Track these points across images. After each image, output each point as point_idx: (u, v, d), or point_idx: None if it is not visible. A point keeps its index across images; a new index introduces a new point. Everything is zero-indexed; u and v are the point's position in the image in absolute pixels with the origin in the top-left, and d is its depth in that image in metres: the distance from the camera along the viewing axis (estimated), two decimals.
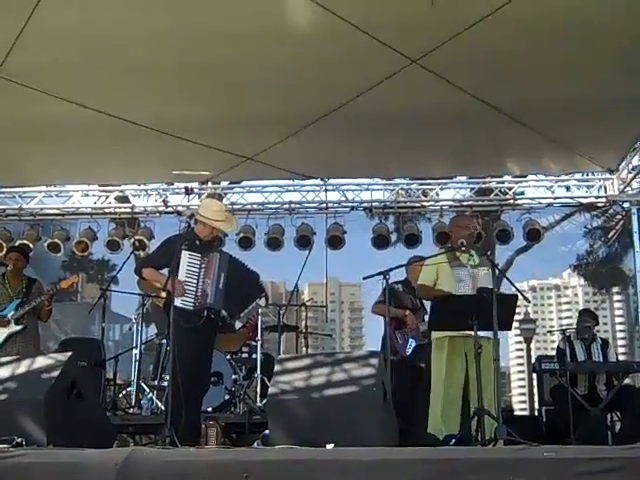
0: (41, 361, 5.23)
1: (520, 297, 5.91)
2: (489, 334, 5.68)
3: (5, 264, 7.46)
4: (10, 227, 9.99)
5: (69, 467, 3.77)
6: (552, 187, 9.82)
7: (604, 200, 9.86)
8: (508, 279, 6.15)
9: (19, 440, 4.36)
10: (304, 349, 9.04)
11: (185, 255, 5.71)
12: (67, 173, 9.32)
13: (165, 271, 5.88)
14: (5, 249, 9.41)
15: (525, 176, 9.88)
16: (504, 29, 5.86)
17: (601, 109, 7.15)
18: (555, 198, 9.91)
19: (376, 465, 3.55)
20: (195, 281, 5.81)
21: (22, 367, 5.19)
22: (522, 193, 9.90)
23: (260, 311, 7.84)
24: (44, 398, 4.74)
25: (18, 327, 7.17)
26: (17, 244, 9.31)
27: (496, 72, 6.54)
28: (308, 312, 9.49)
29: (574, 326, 8.12)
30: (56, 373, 4.95)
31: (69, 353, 5.23)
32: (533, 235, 9.60)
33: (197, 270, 5.83)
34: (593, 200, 9.98)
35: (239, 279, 6.02)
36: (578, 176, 9.83)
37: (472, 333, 5.84)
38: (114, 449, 4.74)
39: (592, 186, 9.83)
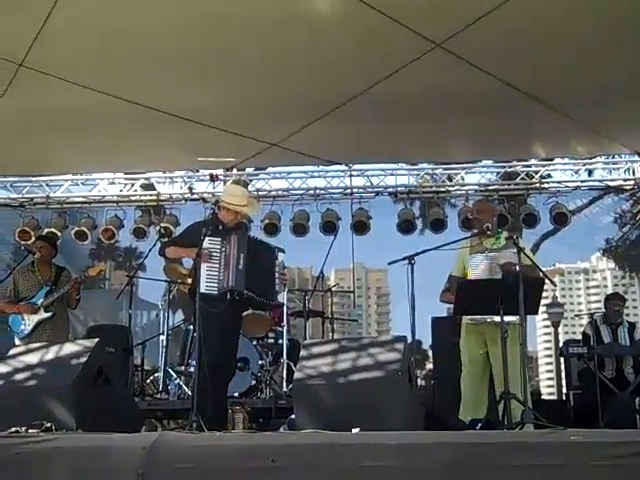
0: (69, 347, 5.29)
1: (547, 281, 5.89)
2: (514, 319, 5.67)
3: (34, 252, 7.54)
4: (38, 215, 10.09)
5: (98, 451, 3.81)
6: (579, 170, 9.73)
7: (632, 182, 9.74)
8: (535, 263, 6.08)
9: (48, 425, 4.41)
10: (330, 334, 9.06)
11: (206, 241, 5.72)
12: (93, 161, 9.37)
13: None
14: (33, 237, 9.52)
15: (552, 159, 9.79)
16: (529, 10, 5.79)
17: (628, 91, 7.05)
18: (582, 181, 9.81)
19: (402, 449, 3.54)
20: (217, 265, 5.81)
21: (51, 353, 5.26)
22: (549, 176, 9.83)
23: (287, 296, 7.84)
24: (72, 384, 4.80)
25: (47, 314, 7.26)
26: (45, 232, 9.40)
27: (521, 54, 6.46)
28: (334, 297, 9.50)
29: (602, 310, 8.07)
30: (84, 359, 5.01)
31: (97, 339, 5.30)
32: (560, 219, 9.51)
33: (218, 254, 5.83)
34: (621, 183, 9.86)
35: (259, 256, 6.00)
36: (605, 159, 9.71)
37: (492, 319, 5.86)
38: (142, 433, 4.81)
39: (620, 168, 9.72)
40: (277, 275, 6.06)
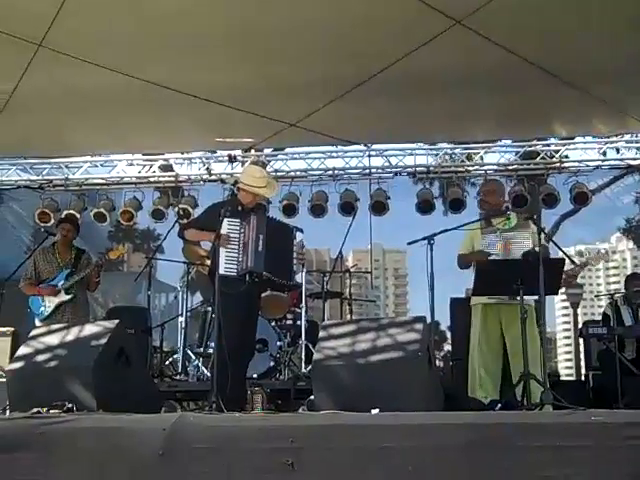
0: (90, 329, 5.32)
1: (567, 261, 5.85)
2: (531, 300, 5.66)
3: (54, 234, 7.56)
4: (57, 197, 10.14)
5: (119, 432, 3.85)
6: (600, 149, 9.62)
7: None
8: (555, 243, 6.06)
9: (70, 406, 4.45)
10: (348, 316, 9.06)
11: (225, 222, 5.71)
12: (111, 143, 9.38)
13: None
14: (53, 219, 9.56)
15: (572, 138, 9.69)
16: None
17: None
18: (603, 160, 9.71)
19: (421, 430, 3.55)
20: (236, 247, 5.80)
21: (71, 334, 5.29)
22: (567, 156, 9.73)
23: (305, 277, 7.84)
24: (93, 365, 4.83)
25: (68, 296, 7.29)
26: (64, 214, 9.43)
27: (542, 31, 6.37)
28: (352, 279, 9.49)
29: (622, 290, 8.01)
30: (104, 340, 5.03)
31: (117, 321, 5.31)
32: (580, 199, 9.43)
33: (237, 235, 5.82)
34: None
35: (278, 238, 5.98)
36: (627, 137, 9.58)
37: (506, 299, 5.85)
38: (162, 414, 4.84)
39: None
40: (295, 255, 6.05)
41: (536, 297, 5.68)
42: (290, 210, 9.64)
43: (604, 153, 9.72)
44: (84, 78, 7.06)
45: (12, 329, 7.61)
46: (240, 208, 5.98)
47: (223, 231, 5.69)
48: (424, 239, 5.84)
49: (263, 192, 6.12)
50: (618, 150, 9.80)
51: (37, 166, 10.18)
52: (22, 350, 5.28)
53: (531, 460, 3.37)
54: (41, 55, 6.58)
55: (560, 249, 6.03)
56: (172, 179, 10.20)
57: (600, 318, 8.00)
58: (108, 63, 6.87)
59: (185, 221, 8.97)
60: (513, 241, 6.26)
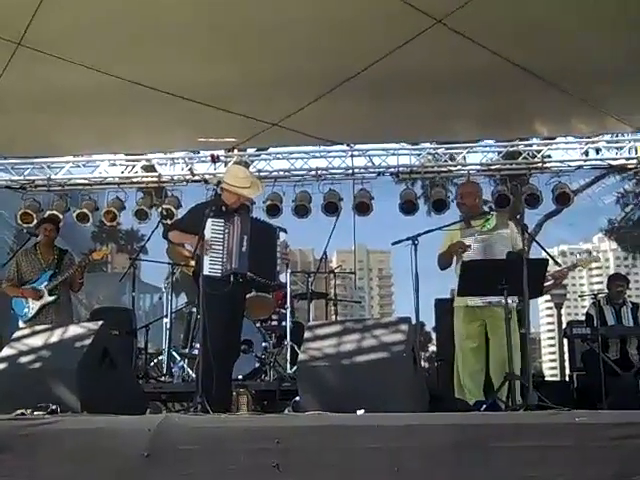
0: (73, 330, 5.29)
1: (551, 261, 5.87)
2: (513, 304, 5.69)
3: (36, 234, 7.50)
4: (39, 198, 10.07)
5: (103, 433, 3.82)
6: (582, 149, 9.67)
7: (635, 162, 9.67)
8: (538, 243, 6.09)
9: (54, 407, 4.42)
10: (333, 316, 9.06)
11: (209, 223, 5.69)
12: (93, 143, 9.32)
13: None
14: (35, 220, 9.50)
15: (554, 138, 9.74)
16: None
17: (630, 68, 6.99)
18: (585, 160, 9.76)
19: (406, 430, 3.55)
20: (220, 247, 5.79)
21: (55, 336, 5.26)
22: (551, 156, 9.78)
23: (290, 278, 7.84)
24: (77, 366, 4.80)
25: (51, 298, 7.25)
26: (47, 215, 9.38)
27: (523, 32, 6.40)
28: (337, 279, 9.49)
29: (605, 291, 8.06)
30: (88, 342, 5.01)
31: (100, 322, 5.29)
32: (563, 199, 9.48)
33: (221, 236, 5.80)
34: (623, 162, 9.81)
35: (261, 238, 5.97)
36: (608, 137, 9.64)
37: (490, 301, 5.87)
38: (147, 415, 4.83)
39: (622, 147, 9.65)
40: (279, 255, 6.04)
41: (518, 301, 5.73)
42: (274, 210, 9.63)
43: (586, 153, 9.77)
44: (64, 77, 7.02)
45: None
46: (224, 209, 5.96)
47: (207, 231, 5.66)
48: (408, 239, 5.85)
49: (247, 193, 6.10)
50: (598, 150, 9.85)
51: (18, 166, 10.10)
52: (5, 351, 5.24)
53: (516, 460, 3.37)
54: (20, 54, 6.53)
55: (544, 250, 6.06)
56: (155, 179, 10.16)
57: (584, 318, 8.05)
58: (88, 62, 6.83)
59: (169, 222, 8.94)
60: (488, 244, 6.25)
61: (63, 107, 7.72)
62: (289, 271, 7.60)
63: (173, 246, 7.47)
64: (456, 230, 6.43)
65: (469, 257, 6.19)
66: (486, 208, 6.59)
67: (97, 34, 6.41)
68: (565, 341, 8.81)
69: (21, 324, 7.09)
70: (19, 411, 4.25)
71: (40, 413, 4.27)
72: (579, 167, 9.76)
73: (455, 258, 6.38)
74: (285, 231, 6.22)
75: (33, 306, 7.21)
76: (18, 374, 5.02)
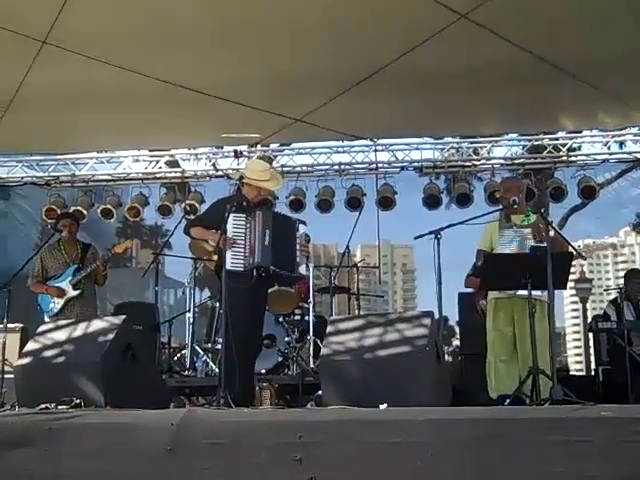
0: (97, 324, 5.32)
1: (576, 255, 5.82)
2: (541, 295, 5.62)
3: (60, 230, 7.55)
4: (64, 194, 10.15)
5: (127, 427, 3.83)
6: (607, 143, 9.58)
7: None
8: (563, 237, 6.02)
9: (78, 401, 4.45)
10: (356, 311, 9.05)
11: (231, 218, 5.70)
12: (117, 139, 9.39)
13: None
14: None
15: (579, 132, 9.65)
16: None
17: None
18: (611, 154, 9.67)
19: (431, 425, 3.52)
20: (242, 242, 5.79)
21: (79, 330, 5.29)
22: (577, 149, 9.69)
23: (312, 272, 7.83)
24: (101, 360, 4.83)
25: (76, 292, 7.29)
26: (71, 211, 9.44)
27: (548, 25, 6.34)
28: (360, 274, 9.47)
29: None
30: (112, 336, 5.03)
31: (123, 316, 5.31)
32: (588, 192, 9.40)
33: (243, 231, 5.81)
34: None
35: (283, 232, 5.98)
36: (635, 130, 9.54)
37: (518, 293, 5.80)
38: (170, 410, 4.84)
39: None
40: (298, 247, 6.03)
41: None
42: (297, 205, 9.64)
43: (611, 147, 9.67)
44: (89, 75, 7.06)
45: (21, 325, 7.64)
46: (245, 204, 5.97)
47: (229, 226, 5.67)
48: (430, 233, 5.80)
49: (267, 185, 6.10)
50: (622, 144, 9.73)
51: (43, 163, 10.19)
52: (30, 346, 5.29)
53: (541, 455, 3.34)
54: (45, 52, 6.58)
55: (569, 243, 5.99)
56: (178, 175, 10.20)
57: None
58: (113, 59, 6.86)
59: (192, 217, 8.96)
60: (529, 237, 6.21)
61: (87, 104, 7.76)
62: (311, 265, 7.59)
63: (196, 241, 7.49)
64: (494, 222, 6.37)
65: (504, 250, 6.16)
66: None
67: (122, 32, 6.45)
68: (590, 335, 8.72)
69: (47, 319, 7.14)
70: (43, 405, 4.29)
71: (64, 407, 4.31)
72: (605, 160, 9.67)
73: None
74: (304, 223, 6.21)
75: (59, 301, 7.26)
76: (42, 368, 5.07)
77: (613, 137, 9.54)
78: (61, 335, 5.27)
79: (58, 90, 7.41)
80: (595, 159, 9.58)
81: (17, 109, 7.72)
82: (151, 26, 6.36)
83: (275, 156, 10.07)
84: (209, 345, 8.11)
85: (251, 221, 5.83)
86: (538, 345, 5.47)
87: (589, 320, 10.20)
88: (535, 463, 3.34)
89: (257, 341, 6.11)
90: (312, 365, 7.68)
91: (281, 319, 8.20)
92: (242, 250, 5.78)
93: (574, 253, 5.85)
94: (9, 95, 7.46)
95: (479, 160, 9.87)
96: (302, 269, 6.12)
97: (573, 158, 9.62)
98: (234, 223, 5.77)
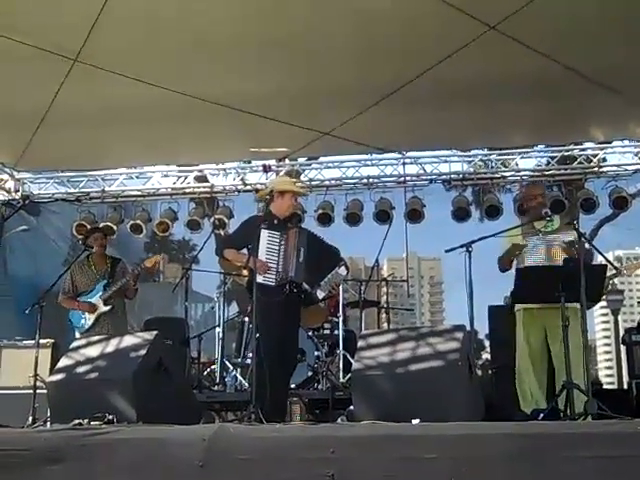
0: (129, 340, 5.35)
1: (609, 267, 5.75)
2: (575, 304, 5.56)
3: (90, 246, 7.59)
4: (94, 210, 10.23)
5: (159, 443, 3.83)
6: (638, 153, 9.47)
7: None
8: (596, 249, 5.97)
9: (110, 417, 4.47)
10: (385, 324, 9.01)
11: (265, 233, 5.74)
12: (146, 155, 9.45)
13: (245, 251, 5.94)
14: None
15: (610, 142, 9.55)
16: None
17: None
18: None
19: (464, 440, 3.49)
20: (276, 258, 5.83)
21: (111, 346, 5.32)
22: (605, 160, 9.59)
23: (342, 286, 7.82)
24: (133, 376, 4.85)
25: (106, 307, 7.34)
26: (101, 226, 9.51)
27: (576, 36, 6.31)
28: (388, 287, 9.43)
29: None
30: (143, 352, 5.06)
31: (155, 332, 5.34)
32: (620, 203, 9.29)
33: (277, 247, 5.85)
34: None
35: (318, 252, 6.02)
36: None
37: (551, 305, 5.75)
38: (201, 425, 4.83)
39: None
40: (327, 280, 6.08)
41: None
42: (325, 219, 9.62)
43: None
44: (119, 91, 7.13)
45: (52, 341, 7.67)
46: (276, 221, 6.00)
47: (262, 241, 5.72)
48: (462, 246, 5.77)
49: (297, 187, 6.20)
50: None
51: (73, 179, 10.27)
52: (63, 362, 5.32)
53: (575, 471, 3.30)
54: (77, 70, 6.66)
55: (602, 255, 5.93)
56: (207, 190, 10.24)
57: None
58: (143, 76, 6.93)
59: (221, 232, 9.00)
60: (556, 243, 6.19)
61: (117, 120, 7.83)
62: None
63: None
64: (517, 235, 6.34)
65: (531, 257, 6.11)
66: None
67: (151, 49, 6.51)
68: (623, 348, 8.60)
69: (77, 335, 7.19)
70: (76, 421, 4.31)
71: (96, 423, 4.33)
72: (636, 171, 9.55)
73: (515, 261, 6.31)
74: (347, 267, 6.32)
75: (90, 317, 7.30)
76: (75, 384, 5.10)
77: None
78: (93, 351, 5.30)
79: (89, 107, 7.49)
80: (626, 170, 9.47)
81: (49, 127, 7.81)
82: (181, 42, 6.41)
83: (303, 170, 10.08)
84: (238, 360, 8.10)
85: (286, 238, 5.88)
86: (572, 358, 5.41)
87: (621, 332, 10.06)
88: (569, 479, 3.29)
89: (290, 357, 6.09)
90: (342, 379, 7.64)
91: (310, 333, 8.18)
92: (275, 265, 5.81)
93: (608, 266, 5.78)
94: (41, 113, 7.55)
95: (508, 172, 9.80)
96: (318, 293, 6.17)
97: (604, 169, 9.52)
98: (269, 239, 5.82)
